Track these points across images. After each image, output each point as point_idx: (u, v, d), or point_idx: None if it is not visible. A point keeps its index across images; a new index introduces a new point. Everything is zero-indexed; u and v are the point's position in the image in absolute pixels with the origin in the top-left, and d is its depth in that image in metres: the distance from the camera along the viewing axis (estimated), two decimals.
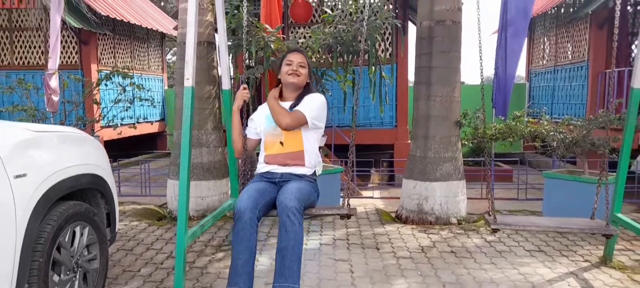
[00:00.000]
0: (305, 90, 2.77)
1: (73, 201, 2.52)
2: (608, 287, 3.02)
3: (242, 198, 2.43)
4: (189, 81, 2.86)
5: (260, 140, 2.84)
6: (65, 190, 2.43)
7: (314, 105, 2.68)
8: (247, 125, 2.88)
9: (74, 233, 2.51)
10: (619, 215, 3.31)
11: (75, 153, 2.61)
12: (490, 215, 3.11)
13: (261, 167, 2.74)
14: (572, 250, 3.74)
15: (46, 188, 2.25)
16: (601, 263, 3.44)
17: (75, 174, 2.53)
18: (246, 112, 2.93)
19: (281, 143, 2.68)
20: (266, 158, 2.72)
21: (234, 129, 2.81)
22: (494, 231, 3.01)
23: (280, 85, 2.84)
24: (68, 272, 2.44)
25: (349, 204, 2.82)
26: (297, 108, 2.68)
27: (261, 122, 2.77)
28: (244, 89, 2.79)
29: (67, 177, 2.44)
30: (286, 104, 2.73)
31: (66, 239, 2.42)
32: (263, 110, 2.83)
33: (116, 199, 3.01)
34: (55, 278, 2.33)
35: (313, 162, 2.71)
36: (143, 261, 3.62)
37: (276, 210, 2.46)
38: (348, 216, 2.74)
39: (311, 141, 2.71)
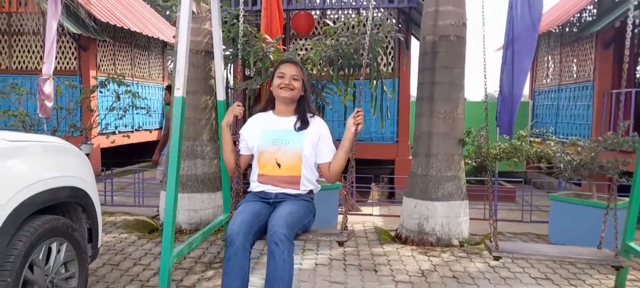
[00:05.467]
0: (301, 104, 2.57)
1: (50, 215, 2.36)
2: None
3: (235, 222, 2.24)
4: (179, 91, 2.70)
5: (252, 155, 2.63)
6: (40, 204, 2.27)
7: (330, 141, 2.56)
8: (238, 142, 2.66)
9: (49, 249, 2.34)
10: (632, 244, 3.12)
11: (54, 164, 2.45)
12: (491, 241, 2.91)
13: (254, 186, 2.55)
14: (580, 279, 3.55)
15: (18, 202, 2.08)
16: None
17: (53, 187, 2.37)
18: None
19: (278, 164, 2.47)
20: (260, 178, 2.52)
21: (225, 145, 2.58)
22: (496, 258, 2.82)
23: (271, 97, 2.64)
24: None
25: (346, 228, 2.58)
26: (326, 146, 2.53)
27: (255, 137, 2.55)
28: (238, 105, 2.57)
29: (43, 190, 2.28)
30: (286, 120, 2.53)
31: (40, 257, 2.25)
32: (257, 124, 2.60)
33: (99, 213, 2.85)
34: None
35: (309, 186, 2.55)
36: (128, 278, 3.44)
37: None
38: (342, 243, 2.49)
39: (309, 166, 2.53)
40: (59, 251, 2.40)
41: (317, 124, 2.55)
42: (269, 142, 2.48)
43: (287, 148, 2.46)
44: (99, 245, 2.89)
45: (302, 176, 2.47)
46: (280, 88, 2.50)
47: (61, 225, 2.40)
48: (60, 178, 2.45)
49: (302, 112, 2.55)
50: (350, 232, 2.57)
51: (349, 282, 3.42)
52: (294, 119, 2.53)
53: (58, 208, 2.54)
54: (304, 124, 2.50)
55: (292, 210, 2.33)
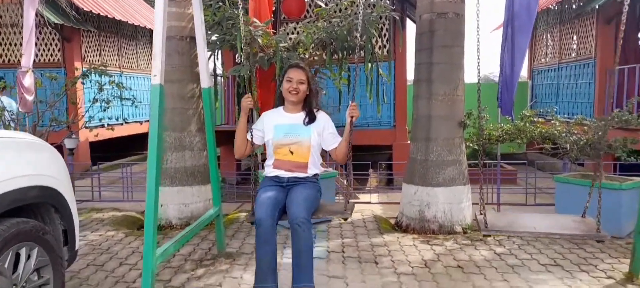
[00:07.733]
0: (307, 101, 2.94)
1: (17, 218, 2.14)
2: None
3: (260, 208, 2.65)
4: (156, 78, 2.49)
5: (257, 144, 3.01)
6: (5, 205, 2.05)
7: (334, 130, 2.96)
8: (251, 131, 2.95)
9: (18, 255, 2.13)
10: None
11: (22, 162, 2.22)
12: (481, 214, 3.03)
13: (269, 171, 2.94)
14: (592, 264, 3.38)
15: None
16: (627, 280, 3.07)
17: (20, 187, 2.14)
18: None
19: (291, 152, 2.88)
20: (275, 163, 2.91)
21: (241, 134, 2.92)
22: (485, 237, 2.81)
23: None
24: None
25: (347, 203, 2.94)
26: (330, 134, 2.93)
27: (269, 130, 2.92)
28: (247, 98, 2.85)
29: (9, 190, 2.06)
30: (295, 116, 2.91)
31: (5, 265, 2.03)
32: (270, 119, 2.96)
33: (76, 213, 2.62)
34: None
35: (314, 170, 2.96)
36: (113, 279, 3.23)
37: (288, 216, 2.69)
38: (346, 219, 2.88)
39: (315, 153, 2.93)
40: (29, 257, 2.19)
41: (322, 118, 2.96)
42: (282, 134, 2.87)
43: (298, 139, 2.86)
44: (76, 248, 2.67)
45: (309, 162, 2.88)
46: (289, 91, 2.87)
47: (30, 228, 2.19)
48: (29, 177, 2.23)
49: (309, 108, 2.92)
50: (351, 207, 2.92)
51: (348, 276, 3.24)
52: (302, 114, 2.91)
53: (28, 210, 2.32)
54: (311, 119, 2.90)
55: (306, 195, 2.73)
